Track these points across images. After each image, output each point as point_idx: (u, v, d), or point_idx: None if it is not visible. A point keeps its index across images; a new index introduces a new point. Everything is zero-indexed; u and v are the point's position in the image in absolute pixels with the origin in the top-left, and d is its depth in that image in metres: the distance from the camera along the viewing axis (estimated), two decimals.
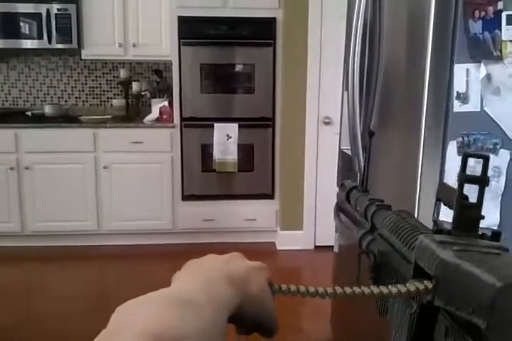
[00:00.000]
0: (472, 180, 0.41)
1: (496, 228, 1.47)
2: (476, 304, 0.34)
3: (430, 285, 0.39)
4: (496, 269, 0.35)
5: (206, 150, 3.75)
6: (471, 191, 0.42)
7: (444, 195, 0.45)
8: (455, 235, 0.41)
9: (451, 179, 1.50)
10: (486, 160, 0.42)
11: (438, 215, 0.49)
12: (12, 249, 3.67)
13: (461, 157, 1.43)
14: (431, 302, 0.39)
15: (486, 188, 1.40)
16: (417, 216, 1.55)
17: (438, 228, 0.42)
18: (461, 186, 0.41)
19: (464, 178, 0.41)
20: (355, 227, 0.62)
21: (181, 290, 0.41)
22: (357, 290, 0.41)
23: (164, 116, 3.84)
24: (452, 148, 1.49)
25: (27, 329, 2.61)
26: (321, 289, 0.43)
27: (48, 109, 3.99)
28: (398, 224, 0.52)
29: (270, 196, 3.85)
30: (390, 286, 0.41)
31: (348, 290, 0.42)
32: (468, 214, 0.42)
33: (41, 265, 3.49)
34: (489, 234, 0.42)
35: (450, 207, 0.42)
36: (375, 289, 0.41)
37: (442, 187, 0.45)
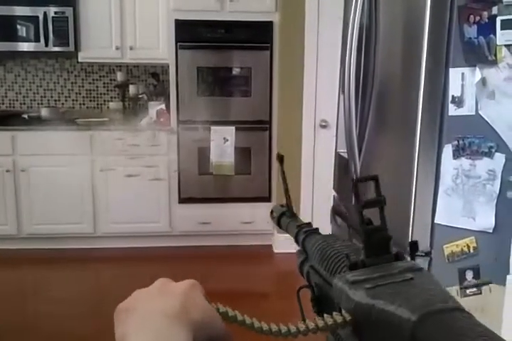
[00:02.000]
0: (370, 203, 0.41)
1: (490, 231, 1.48)
2: None
3: (348, 318, 0.38)
4: (409, 300, 0.34)
5: (203, 153, 3.75)
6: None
7: (350, 220, 0.44)
8: (369, 264, 0.40)
9: (447, 182, 1.51)
10: (376, 181, 0.41)
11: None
12: (8, 252, 3.66)
13: (455, 160, 1.42)
14: None
15: (482, 191, 1.40)
16: (413, 219, 1.55)
17: (351, 262, 0.41)
18: (360, 213, 0.41)
19: (361, 205, 0.41)
20: (297, 252, 0.59)
21: None
22: (292, 328, 0.39)
23: (161, 119, 3.84)
24: (447, 151, 1.50)
25: (23, 331, 2.60)
26: (249, 320, 0.41)
27: (44, 112, 3.99)
28: (325, 253, 0.50)
29: (267, 199, 3.85)
30: (307, 321, 0.39)
31: (283, 328, 0.40)
32: (376, 238, 0.41)
33: (37, 267, 3.48)
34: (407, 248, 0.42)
35: (357, 232, 0.42)
36: (283, 327, 0.39)
37: (346, 211, 0.44)
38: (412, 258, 0.41)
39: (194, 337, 0.41)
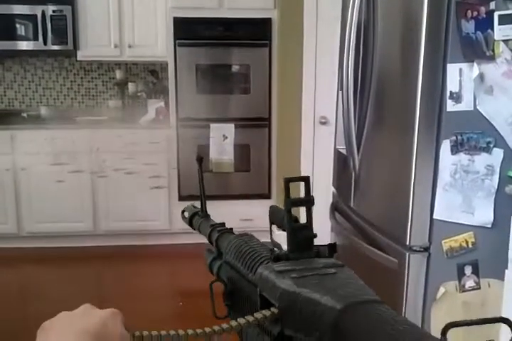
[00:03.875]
0: (298, 202, 0.43)
1: (489, 226, 1.48)
2: (321, 328, 0.35)
3: (276, 311, 0.39)
4: (334, 291, 0.36)
5: (202, 150, 3.75)
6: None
7: (276, 218, 0.46)
8: (293, 258, 0.42)
9: (445, 178, 1.52)
10: (307, 182, 0.43)
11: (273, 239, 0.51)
12: (8, 251, 3.66)
13: (453, 156, 1.43)
14: (281, 332, 0.39)
15: (481, 186, 1.41)
16: (411, 215, 1.56)
17: (275, 254, 0.43)
18: (288, 210, 0.43)
19: (290, 202, 0.43)
20: (205, 252, 0.61)
21: None
22: (207, 329, 0.41)
23: (160, 117, 3.84)
24: (446, 147, 1.50)
25: (23, 330, 2.61)
26: (173, 331, 0.43)
27: (43, 110, 3.99)
28: (241, 250, 0.52)
29: (267, 196, 3.85)
30: (238, 319, 0.41)
31: (199, 330, 0.41)
32: (300, 235, 0.43)
33: (37, 266, 3.49)
34: (325, 248, 0.44)
35: (283, 230, 0.44)
36: (224, 326, 0.41)
37: (273, 210, 0.47)
38: (331, 257, 0.44)
39: None
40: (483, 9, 1.39)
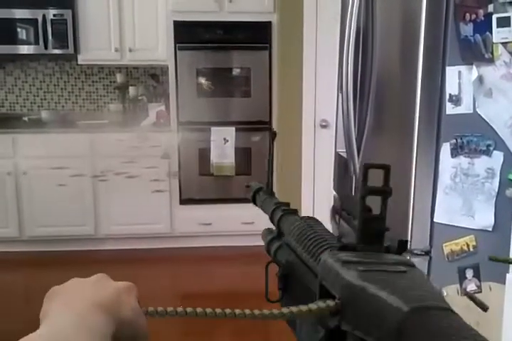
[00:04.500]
0: (374, 191, 0.40)
1: (490, 229, 1.48)
2: (383, 329, 0.32)
3: (334, 304, 0.37)
4: (402, 291, 0.33)
5: (203, 154, 3.75)
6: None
7: (347, 205, 0.43)
8: (360, 250, 0.40)
9: (446, 181, 1.51)
10: (387, 171, 0.40)
11: (339, 228, 0.49)
12: (10, 254, 3.66)
13: (453, 159, 1.43)
14: (338, 326, 0.37)
15: (481, 189, 1.40)
16: (412, 218, 1.55)
17: (342, 243, 0.40)
18: (363, 198, 0.40)
19: (365, 190, 0.40)
20: (264, 231, 0.58)
21: (56, 332, 0.40)
22: (247, 311, 0.39)
23: (161, 121, 3.84)
24: (446, 150, 1.50)
25: (25, 334, 2.61)
26: (190, 309, 0.41)
27: (44, 114, 3.99)
28: (305, 233, 0.49)
29: None
30: (291, 308, 0.38)
31: (227, 311, 0.39)
32: (372, 227, 0.40)
33: (39, 270, 3.48)
34: (395, 244, 0.41)
35: (354, 218, 0.41)
36: (256, 312, 0.39)
37: (347, 196, 0.44)
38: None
39: (116, 331, 0.43)
40: (481, 12, 1.38)
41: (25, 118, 3.99)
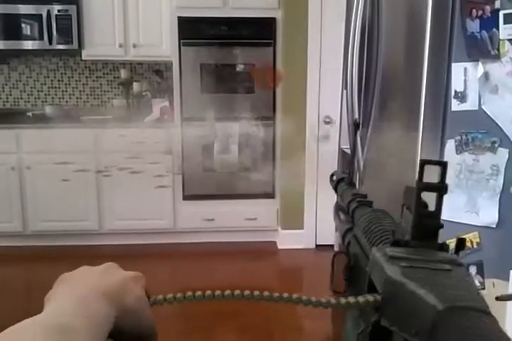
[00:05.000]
0: (430, 187, 0.40)
1: (493, 226, 1.48)
2: (418, 326, 0.33)
3: (379, 298, 0.37)
4: (440, 290, 0.33)
5: (207, 149, 3.76)
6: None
7: (408, 200, 0.43)
8: (413, 246, 0.40)
9: (450, 177, 1.51)
10: (444, 167, 0.40)
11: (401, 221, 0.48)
12: (13, 249, 3.68)
13: (458, 156, 1.42)
14: (378, 321, 0.37)
15: (486, 186, 1.40)
16: None
17: (396, 238, 0.41)
18: (418, 194, 0.40)
19: (421, 186, 0.39)
20: (342, 221, 0.61)
21: (56, 316, 0.40)
22: (256, 293, 0.39)
23: (165, 116, 3.85)
24: (451, 146, 1.50)
25: None
26: (199, 293, 0.41)
27: (48, 110, 4.00)
28: (370, 225, 0.49)
29: (271, 195, 3.85)
30: (340, 298, 0.39)
31: (246, 292, 0.40)
32: (426, 223, 0.40)
33: (43, 264, 3.50)
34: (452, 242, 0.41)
35: (411, 213, 0.41)
36: (294, 296, 0.39)
37: (408, 191, 0.43)
38: (456, 255, 0.41)
39: (120, 319, 0.43)
40: (488, 8, 1.38)
41: (30, 114, 4.00)
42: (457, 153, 1.49)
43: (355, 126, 0.50)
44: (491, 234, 1.49)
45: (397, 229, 0.44)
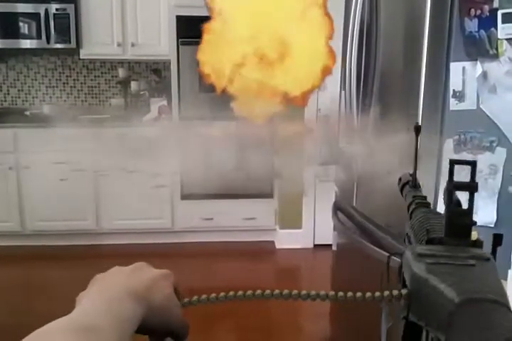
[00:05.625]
0: (461, 186, 0.41)
1: (492, 226, 1.48)
2: (438, 319, 0.34)
3: (404, 292, 0.39)
4: (460, 283, 0.35)
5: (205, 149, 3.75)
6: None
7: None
8: (447, 243, 0.41)
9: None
10: (473, 166, 0.41)
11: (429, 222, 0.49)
12: (12, 248, 3.67)
13: (456, 155, 1.42)
14: (406, 317, 0.39)
15: (484, 185, 1.40)
16: None
17: (430, 236, 0.42)
18: (450, 193, 0.41)
19: (453, 186, 0.41)
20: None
21: (84, 316, 0.43)
22: (283, 291, 0.42)
23: (163, 116, 3.84)
24: (449, 146, 1.50)
25: (27, 328, 2.61)
26: (232, 293, 0.43)
27: (46, 109, 3.99)
28: (421, 225, 0.51)
29: (269, 195, 3.85)
30: (366, 292, 0.41)
31: (275, 291, 0.43)
32: (459, 221, 0.42)
33: (41, 264, 3.49)
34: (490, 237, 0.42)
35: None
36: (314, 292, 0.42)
37: (444, 191, 0.44)
38: (493, 251, 0.42)
39: (148, 316, 0.45)
40: (486, 7, 1.38)
41: (27, 113, 3.99)
42: (455, 153, 1.49)
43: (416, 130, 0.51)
44: (490, 233, 1.49)
45: (436, 228, 0.46)
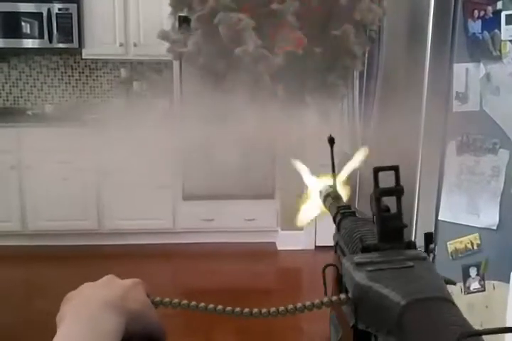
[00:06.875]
0: (388, 192, 0.42)
1: (494, 228, 1.47)
2: (388, 323, 0.35)
3: (343, 297, 0.40)
4: (403, 286, 0.36)
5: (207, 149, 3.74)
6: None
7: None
8: (382, 248, 0.42)
9: (451, 179, 1.50)
10: (396, 171, 0.43)
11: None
12: (13, 248, 3.67)
13: (459, 157, 1.42)
14: (355, 326, 0.40)
15: (486, 187, 1.39)
16: (417, 216, 1.55)
17: (364, 244, 0.43)
18: (378, 200, 0.42)
19: (379, 192, 0.42)
20: (333, 236, 0.63)
21: (69, 338, 0.43)
22: (236, 309, 0.43)
23: (165, 116, 3.84)
24: (451, 147, 1.49)
25: (28, 328, 2.61)
26: (202, 304, 0.44)
27: (48, 109, 3.99)
28: (351, 235, 0.51)
29: (270, 196, 3.84)
30: (303, 303, 0.42)
31: (232, 309, 0.43)
32: (391, 225, 0.42)
33: (42, 264, 3.49)
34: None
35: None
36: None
37: (371, 198, 0.45)
38: (426, 249, 0.43)
39: (128, 324, 0.46)
40: (490, 9, 1.37)
41: (29, 112, 3.99)
42: (458, 154, 1.49)
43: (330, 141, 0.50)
44: (492, 235, 1.48)
45: (368, 235, 0.47)
